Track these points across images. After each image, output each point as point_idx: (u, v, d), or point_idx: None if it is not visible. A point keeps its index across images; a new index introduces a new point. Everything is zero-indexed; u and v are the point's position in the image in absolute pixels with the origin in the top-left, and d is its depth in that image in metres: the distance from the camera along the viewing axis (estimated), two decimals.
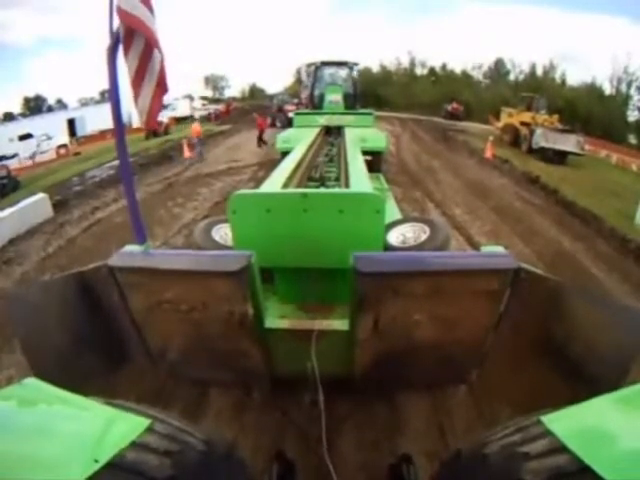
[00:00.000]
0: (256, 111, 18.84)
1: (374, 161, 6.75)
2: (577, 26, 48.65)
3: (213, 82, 48.31)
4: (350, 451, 2.19)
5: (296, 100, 20.89)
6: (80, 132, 24.22)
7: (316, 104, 9.51)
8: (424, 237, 2.49)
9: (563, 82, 32.50)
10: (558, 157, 13.31)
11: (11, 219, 6.53)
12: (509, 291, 1.68)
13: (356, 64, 10.08)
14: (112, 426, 0.87)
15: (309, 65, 11.10)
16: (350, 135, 6.58)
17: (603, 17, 53.64)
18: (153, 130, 18.46)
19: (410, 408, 2.45)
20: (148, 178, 10.09)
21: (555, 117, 15.47)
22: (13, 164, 13.83)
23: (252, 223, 2.11)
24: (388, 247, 2.45)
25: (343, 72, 10.03)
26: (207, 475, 0.97)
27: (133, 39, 1.66)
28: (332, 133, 7.82)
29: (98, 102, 36.39)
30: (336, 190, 3.29)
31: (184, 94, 30.03)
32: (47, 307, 1.69)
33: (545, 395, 1.35)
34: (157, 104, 1.78)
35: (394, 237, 2.61)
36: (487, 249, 2.07)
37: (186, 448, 0.94)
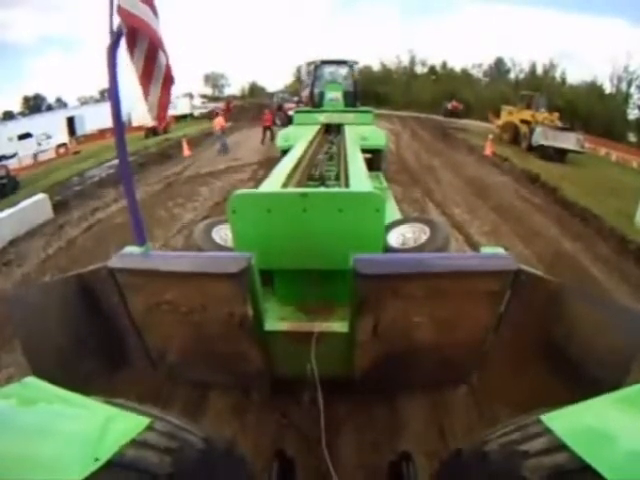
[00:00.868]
0: (263, 108, 18.84)
1: (374, 159, 6.73)
2: (576, 27, 48.98)
3: (213, 80, 48.16)
4: (350, 452, 2.19)
5: (296, 98, 20.82)
6: (79, 131, 24.23)
7: (316, 102, 9.47)
8: (424, 238, 2.48)
9: (563, 81, 32.53)
10: (558, 155, 13.25)
11: (11, 220, 6.51)
12: (509, 292, 1.68)
13: (356, 62, 10.06)
14: (112, 424, 0.87)
15: (309, 63, 11.08)
16: (350, 133, 6.53)
17: (601, 19, 53.92)
18: (153, 129, 18.45)
19: (410, 410, 2.44)
20: (148, 178, 10.07)
21: (555, 115, 15.41)
22: (12, 164, 13.82)
23: (252, 223, 2.10)
24: (388, 249, 2.43)
25: (343, 70, 10.00)
26: (207, 472, 0.97)
27: (137, 37, 1.65)
28: (332, 131, 7.78)
29: (97, 101, 36.35)
30: (336, 190, 3.27)
31: (184, 92, 29.90)
32: (47, 308, 1.69)
33: (545, 396, 1.34)
34: (166, 98, 1.79)
35: (394, 238, 2.60)
36: (487, 250, 2.06)
37: (186, 446, 0.94)
